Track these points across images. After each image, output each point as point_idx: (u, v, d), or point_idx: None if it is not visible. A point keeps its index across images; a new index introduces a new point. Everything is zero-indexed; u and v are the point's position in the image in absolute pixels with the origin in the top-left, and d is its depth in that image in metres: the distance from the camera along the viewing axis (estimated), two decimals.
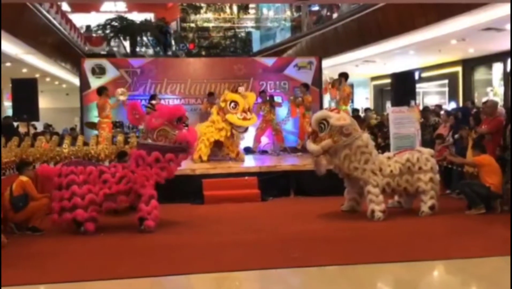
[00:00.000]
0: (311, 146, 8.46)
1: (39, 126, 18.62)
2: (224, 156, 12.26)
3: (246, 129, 12.12)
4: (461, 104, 18.73)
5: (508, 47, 13.89)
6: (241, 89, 12.45)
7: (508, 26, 13.18)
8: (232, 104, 11.78)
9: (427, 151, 8.97)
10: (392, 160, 8.62)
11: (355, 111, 18.20)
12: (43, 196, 8.10)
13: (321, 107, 14.99)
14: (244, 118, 11.75)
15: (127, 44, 32.25)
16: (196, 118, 13.57)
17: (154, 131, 8.01)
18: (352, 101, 24.24)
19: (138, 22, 32.21)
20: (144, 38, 32.12)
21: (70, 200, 7.78)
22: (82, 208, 7.76)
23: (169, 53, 31.82)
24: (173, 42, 32.79)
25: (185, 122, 8.36)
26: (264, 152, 13.76)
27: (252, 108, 12.12)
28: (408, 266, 6.16)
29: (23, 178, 7.99)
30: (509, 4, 10.66)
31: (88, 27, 32.25)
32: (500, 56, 17.82)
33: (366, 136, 8.67)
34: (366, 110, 18.26)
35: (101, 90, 12.39)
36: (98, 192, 7.84)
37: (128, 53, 30.57)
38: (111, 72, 14.35)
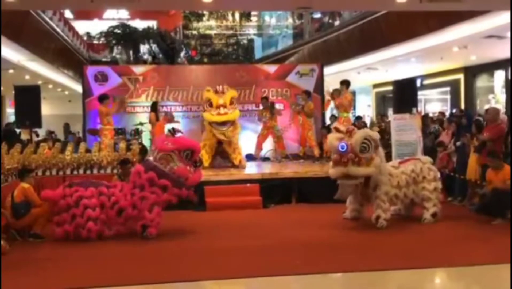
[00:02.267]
0: (363, 170, 7.98)
1: (41, 133, 18.61)
2: (225, 163, 12.25)
3: (229, 125, 11.85)
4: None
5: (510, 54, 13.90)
6: (219, 88, 12.27)
7: (509, 34, 13.20)
8: (208, 102, 11.96)
9: (427, 160, 9.01)
10: (399, 170, 8.65)
11: (358, 118, 18.16)
12: (44, 203, 8.10)
13: (323, 115, 15.05)
14: (218, 114, 11.72)
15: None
16: (198, 125, 13.57)
17: (159, 153, 8.04)
18: (354, 109, 24.25)
19: (140, 29, 32.28)
20: (147, 46, 32.14)
21: (83, 215, 7.76)
22: (93, 220, 7.77)
23: (179, 60, 31.73)
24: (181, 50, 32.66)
25: (197, 162, 8.32)
26: (266, 159, 13.75)
27: (227, 104, 11.90)
28: (411, 273, 6.14)
29: (25, 185, 8.00)
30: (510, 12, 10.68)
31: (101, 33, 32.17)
32: (502, 64, 17.81)
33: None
34: (357, 118, 18.13)
35: (102, 98, 12.42)
36: (97, 216, 7.87)
37: (131, 60, 30.63)
38: (114, 79, 14.40)
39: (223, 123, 11.79)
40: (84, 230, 7.74)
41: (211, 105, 11.92)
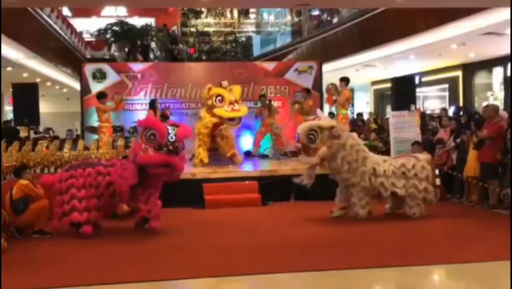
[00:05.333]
0: (307, 159, 8.47)
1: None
2: (221, 157, 12.21)
3: (238, 121, 11.83)
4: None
5: (508, 51, 13.90)
6: (224, 83, 12.14)
7: (508, 31, 13.19)
8: (219, 98, 11.71)
9: (423, 158, 8.97)
10: (387, 162, 8.72)
11: (359, 115, 18.19)
12: (44, 196, 8.07)
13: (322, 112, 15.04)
14: (232, 110, 11.64)
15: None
16: (196, 122, 13.54)
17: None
18: (353, 106, 24.24)
19: (139, 26, 32.19)
20: (145, 42, 31.97)
21: (69, 203, 7.82)
22: (79, 211, 7.77)
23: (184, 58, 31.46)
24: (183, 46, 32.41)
25: (169, 148, 7.97)
26: (264, 156, 13.75)
27: (238, 100, 11.94)
28: (409, 270, 6.15)
29: (23, 181, 7.97)
30: (509, 9, 10.68)
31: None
32: (501, 61, 17.81)
33: (354, 134, 8.89)
34: (358, 115, 18.24)
35: (100, 96, 12.41)
36: (93, 196, 7.89)
37: (129, 57, 30.53)
38: (112, 77, 14.39)
39: (234, 119, 11.73)
40: (68, 218, 7.79)
41: (221, 101, 11.71)
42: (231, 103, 11.65)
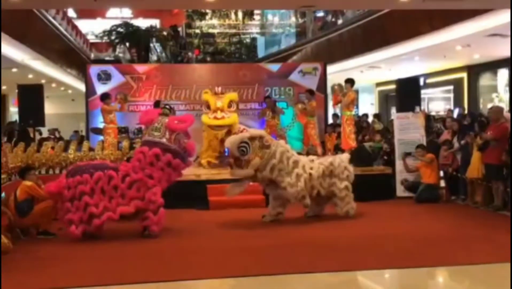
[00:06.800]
0: (240, 171, 8.41)
1: (44, 131, 18.64)
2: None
3: (222, 128, 11.65)
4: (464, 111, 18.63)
5: None
6: (217, 89, 12.24)
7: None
8: (206, 104, 11.96)
9: (345, 158, 9.10)
10: (315, 163, 8.81)
11: (363, 116, 18.16)
12: (49, 197, 8.07)
13: (325, 113, 15.05)
14: (215, 118, 11.66)
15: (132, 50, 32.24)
16: (200, 124, 13.55)
17: (173, 133, 8.00)
18: (357, 107, 24.22)
19: (143, 28, 32.30)
20: (151, 45, 32.06)
21: (85, 210, 7.66)
22: (97, 217, 7.68)
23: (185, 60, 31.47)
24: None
25: None
26: None
27: (227, 106, 11.83)
28: (413, 272, 6.15)
29: (27, 183, 7.99)
30: None
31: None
32: (505, 62, 17.73)
33: (282, 142, 9.09)
34: (362, 116, 18.21)
35: (103, 97, 12.45)
36: (110, 200, 7.77)
37: (134, 59, 30.63)
38: (117, 78, 14.42)
39: (220, 126, 11.72)
40: (91, 226, 7.72)
41: (209, 107, 11.88)
42: (215, 111, 11.71)
